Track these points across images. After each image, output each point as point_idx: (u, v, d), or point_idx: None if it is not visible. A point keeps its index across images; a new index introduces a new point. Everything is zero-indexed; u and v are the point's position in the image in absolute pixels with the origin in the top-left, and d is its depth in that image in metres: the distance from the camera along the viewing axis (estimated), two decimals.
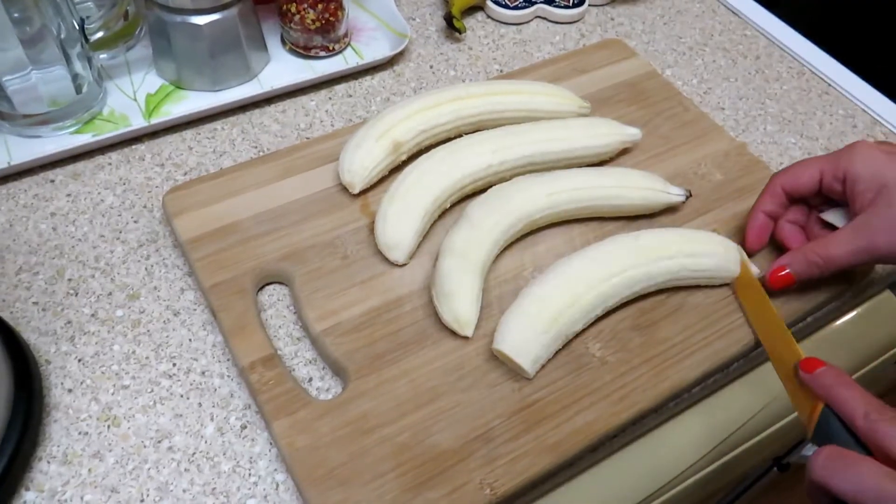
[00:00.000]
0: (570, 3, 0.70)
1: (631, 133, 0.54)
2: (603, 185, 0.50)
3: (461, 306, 0.44)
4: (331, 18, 0.61)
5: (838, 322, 0.57)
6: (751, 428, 0.55)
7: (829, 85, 0.66)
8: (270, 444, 0.41)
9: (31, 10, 0.49)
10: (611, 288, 0.44)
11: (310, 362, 0.45)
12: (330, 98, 0.61)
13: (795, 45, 0.70)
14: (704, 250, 0.47)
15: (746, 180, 0.55)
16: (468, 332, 0.44)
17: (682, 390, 0.45)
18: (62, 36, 0.51)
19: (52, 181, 0.53)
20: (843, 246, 0.44)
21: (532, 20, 0.70)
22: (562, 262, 0.45)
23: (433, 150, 0.51)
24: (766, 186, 0.49)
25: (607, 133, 0.54)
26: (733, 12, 0.74)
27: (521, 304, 0.44)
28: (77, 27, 0.53)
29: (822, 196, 0.48)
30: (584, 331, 0.45)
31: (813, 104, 0.65)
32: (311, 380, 0.44)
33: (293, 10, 0.60)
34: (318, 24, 0.60)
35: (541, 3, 0.70)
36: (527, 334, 0.42)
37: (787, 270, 0.46)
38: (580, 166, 0.53)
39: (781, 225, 0.49)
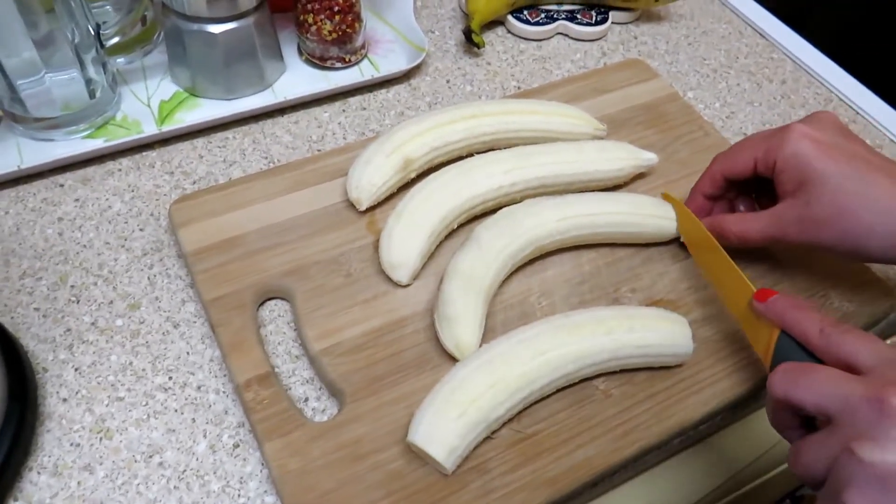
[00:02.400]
0: (593, 21, 0.69)
1: (647, 158, 0.53)
2: (615, 212, 0.49)
3: (463, 332, 0.43)
4: (348, 30, 0.60)
5: None
6: (761, 466, 0.53)
7: (857, 113, 0.65)
8: (262, 464, 0.41)
9: (41, 15, 0.49)
10: (537, 368, 0.40)
11: (307, 381, 0.44)
12: (344, 110, 0.60)
13: (824, 70, 0.68)
14: (648, 326, 0.42)
15: None
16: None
17: (688, 428, 0.43)
18: (76, 41, 0.51)
19: (62, 185, 0.53)
20: (757, 229, 0.45)
21: (553, 37, 0.69)
22: (487, 345, 0.42)
23: (443, 169, 0.50)
24: (708, 168, 0.48)
25: (622, 157, 0.52)
26: (760, 34, 0.72)
27: (437, 389, 0.40)
28: (92, 32, 0.53)
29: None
30: None
31: None
32: (307, 400, 0.43)
33: (310, 20, 0.59)
34: (334, 35, 0.60)
35: (563, 19, 0.69)
36: (439, 420, 0.38)
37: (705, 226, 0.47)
38: (594, 190, 0.52)
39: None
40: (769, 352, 0.38)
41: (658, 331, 0.43)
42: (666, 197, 0.50)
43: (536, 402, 0.42)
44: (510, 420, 0.41)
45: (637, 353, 0.42)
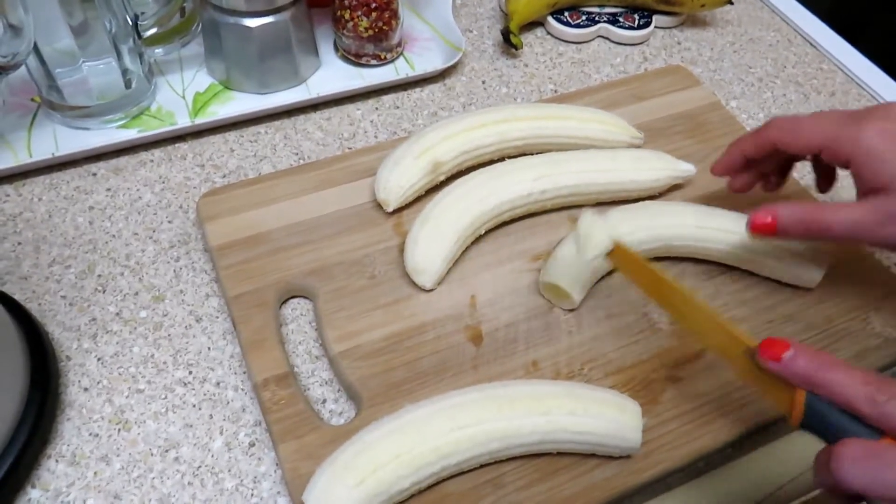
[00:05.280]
0: (636, 24, 0.67)
1: (684, 169, 0.51)
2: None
3: (563, 273, 0.44)
4: (384, 27, 0.60)
5: None
6: (791, 491, 0.51)
7: None
8: (276, 465, 0.40)
9: (78, 4, 0.49)
10: (452, 444, 0.36)
11: (326, 383, 0.44)
12: (376, 108, 0.60)
13: (876, 82, 0.65)
14: (591, 411, 0.38)
15: None
16: (574, 299, 0.45)
17: (714, 451, 0.42)
18: (113, 30, 0.52)
19: (94, 174, 0.53)
20: (844, 223, 0.40)
21: (593, 39, 0.68)
22: (406, 408, 0.38)
23: (473, 173, 0.49)
24: (759, 131, 0.44)
25: (659, 168, 0.51)
26: (811, 43, 0.69)
27: (343, 447, 0.37)
28: (130, 22, 0.53)
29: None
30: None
31: None
32: (324, 401, 0.43)
33: (347, 16, 0.59)
34: (371, 32, 0.59)
35: (604, 22, 0.67)
36: (335, 486, 0.35)
37: (773, 219, 0.42)
38: (626, 201, 0.50)
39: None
40: (796, 411, 0.33)
41: (602, 418, 0.38)
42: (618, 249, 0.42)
43: (453, 476, 0.38)
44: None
45: (574, 439, 0.38)
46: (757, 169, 0.47)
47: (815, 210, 0.41)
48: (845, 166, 0.41)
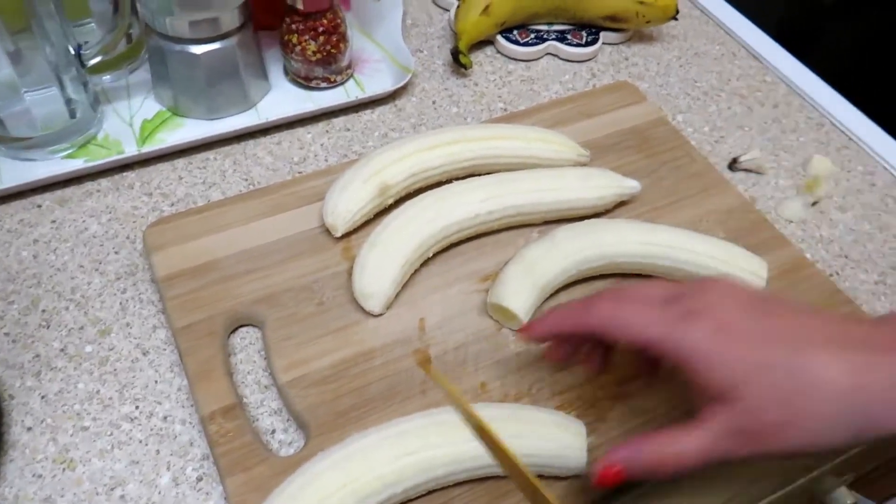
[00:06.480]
0: (584, 42, 0.68)
1: (629, 186, 0.52)
2: (712, 256, 0.48)
3: (510, 294, 0.45)
4: (332, 50, 0.60)
5: None
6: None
7: (850, 139, 0.63)
8: (224, 499, 0.40)
9: (6, 36, 0.48)
10: (398, 471, 0.36)
11: (275, 412, 0.43)
12: (327, 131, 0.60)
13: (818, 93, 0.67)
14: (538, 433, 0.39)
15: (750, 240, 0.52)
16: (521, 320, 0.45)
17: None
18: (53, 61, 0.51)
19: (39, 206, 0.53)
20: (693, 449, 0.34)
21: (542, 57, 0.69)
22: (353, 436, 0.38)
23: (420, 196, 0.49)
24: (580, 315, 0.37)
25: (604, 185, 0.52)
26: (755, 57, 0.71)
27: (289, 480, 0.37)
28: (72, 52, 0.53)
29: None
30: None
31: (830, 159, 0.61)
32: (273, 432, 0.43)
33: (294, 40, 0.59)
34: (319, 55, 0.59)
35: (553, 40, 0.68)
36: None
37: (621, 468, 0.35)
38: (573, 219, 0.51)
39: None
40: None
41: (547, 440, 0.39)
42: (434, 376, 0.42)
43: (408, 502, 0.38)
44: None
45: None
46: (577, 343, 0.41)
47: (665, 443, 0.34)
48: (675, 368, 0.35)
